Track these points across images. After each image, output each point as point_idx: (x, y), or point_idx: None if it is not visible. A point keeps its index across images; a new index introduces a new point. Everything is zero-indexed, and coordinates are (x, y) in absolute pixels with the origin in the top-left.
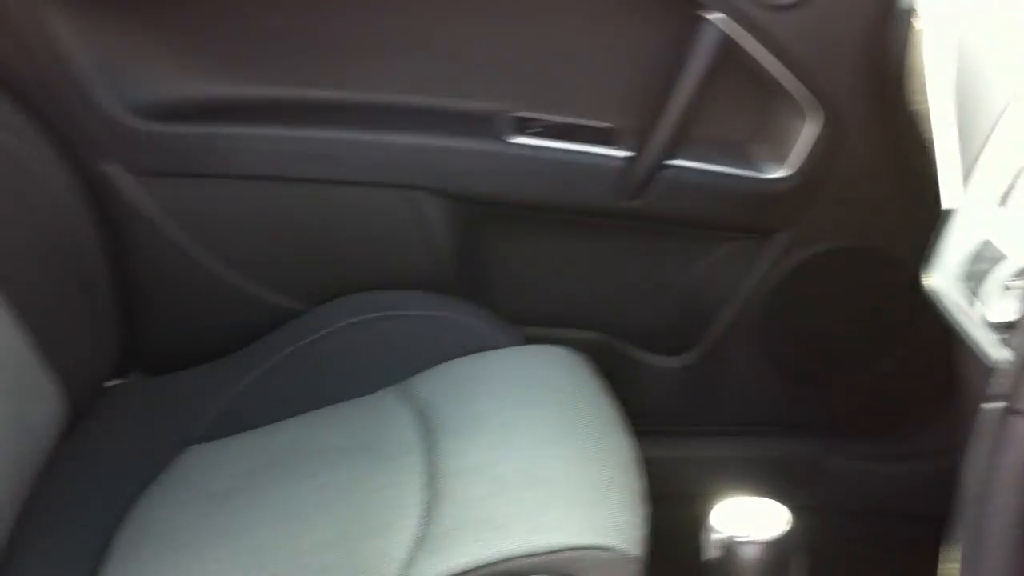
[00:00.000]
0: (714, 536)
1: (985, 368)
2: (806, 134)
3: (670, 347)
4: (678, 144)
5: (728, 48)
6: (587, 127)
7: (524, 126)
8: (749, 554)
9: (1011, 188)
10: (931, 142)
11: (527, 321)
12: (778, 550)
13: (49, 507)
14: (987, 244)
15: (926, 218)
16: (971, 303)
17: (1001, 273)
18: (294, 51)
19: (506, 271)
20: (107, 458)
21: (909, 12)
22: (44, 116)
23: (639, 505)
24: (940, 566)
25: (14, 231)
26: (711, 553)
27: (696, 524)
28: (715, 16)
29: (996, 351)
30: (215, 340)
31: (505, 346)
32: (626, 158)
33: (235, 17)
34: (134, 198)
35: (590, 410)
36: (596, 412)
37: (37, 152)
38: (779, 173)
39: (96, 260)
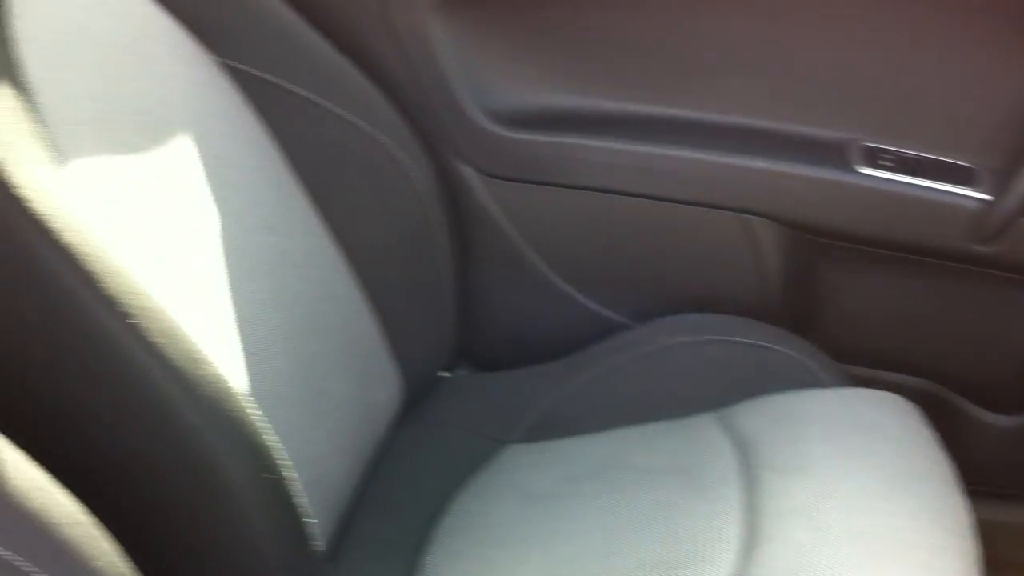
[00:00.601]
0: None
1: None
2: None
3: (1009, 405)
4: None
5: None
6: (944, 163)
7: (875, 157)
8: None
9: None
10: None
11: (851, 359)
12: None
13: (378, 488)
14: None
15: None
16: None
17: None
18: (643, 67)
19: (835, 305)
20: (433, 448)
21: None
22: (412, 114)
23: (976, 574)
24: None
25: (378, 222)
26: None
27: None
28: None
29: None
30: (539, 344)
31: (830, 385)
32: (984, 200)
33: (592, 31)
34: (481, 199)
35: (925, 465)
36: (931, 468)
37: (404, 147)
38: None
39: (444, 255)
